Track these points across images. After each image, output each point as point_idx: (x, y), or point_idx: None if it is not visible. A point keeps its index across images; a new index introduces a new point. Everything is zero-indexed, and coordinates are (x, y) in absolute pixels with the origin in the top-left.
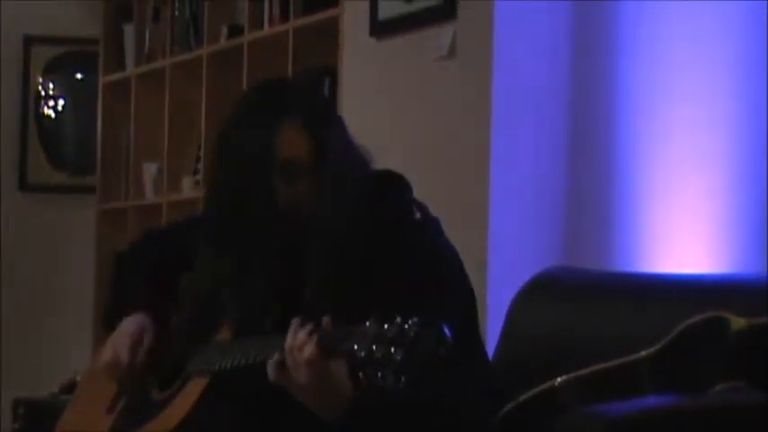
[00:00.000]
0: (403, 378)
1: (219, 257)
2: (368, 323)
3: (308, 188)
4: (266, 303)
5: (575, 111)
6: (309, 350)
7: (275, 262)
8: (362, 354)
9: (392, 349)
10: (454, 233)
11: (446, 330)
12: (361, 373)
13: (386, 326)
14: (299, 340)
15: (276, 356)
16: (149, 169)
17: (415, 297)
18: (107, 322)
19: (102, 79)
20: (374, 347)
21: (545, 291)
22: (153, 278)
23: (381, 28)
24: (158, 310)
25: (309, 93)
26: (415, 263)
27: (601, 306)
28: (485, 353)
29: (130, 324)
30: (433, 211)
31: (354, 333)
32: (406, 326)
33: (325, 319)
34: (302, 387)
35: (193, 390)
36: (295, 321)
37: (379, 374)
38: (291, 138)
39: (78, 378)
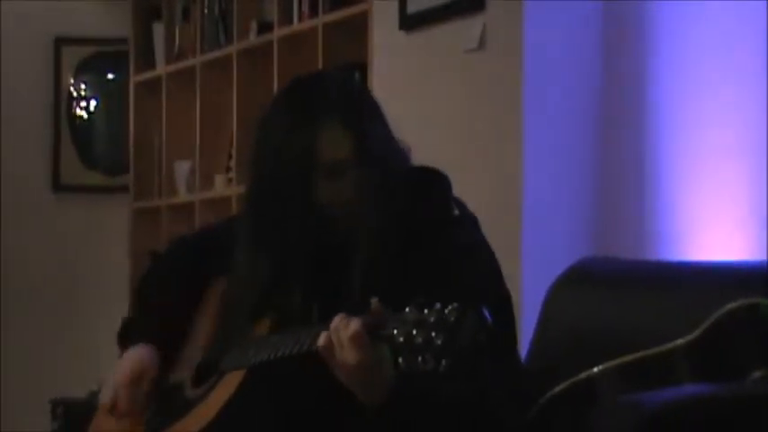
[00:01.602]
0: (443, 362)
1: (257, 259)
2: (407, 309)
3: (350, 185)
4: (305, 305)
5: (605, 100)
6: (354, 327)
7: (313, 263)
8: (402, 339)
9: (432, 334)
10: (487, 225)
11: (486, 315)
12: (400, 359)
13: (425, 311)
14: (344, 319)
15: (323, 333)
16: (181, 167)
17: (454, 289)
18: (120, 340)
19: (133, 79)
20: (414, 332)
21: (581, 281)
22: (174, 292)
23: (411, 21)
24: (171, 331)
25: (349, 88)
26: (454, 257)
27: (637, 295)
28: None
29: (132, 361)
30: (466, 201)
31: (395, 319)
32: (446, 311)
33: (374, 301)
34: (346, 366)
35: (229, 384)
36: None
37: (420, 359)
38: (333, 137)
39: None
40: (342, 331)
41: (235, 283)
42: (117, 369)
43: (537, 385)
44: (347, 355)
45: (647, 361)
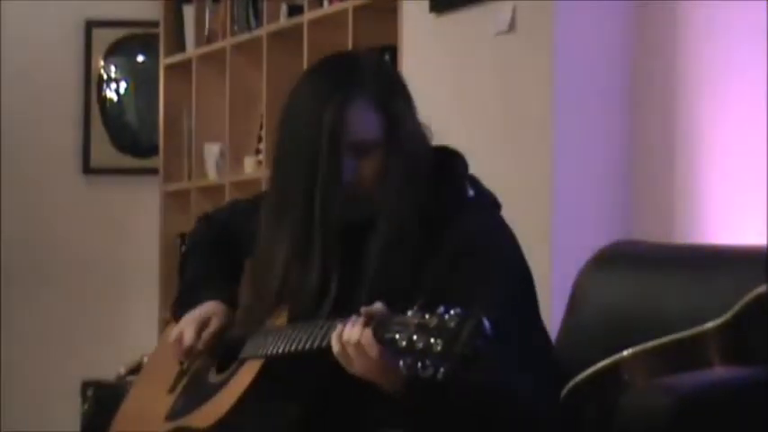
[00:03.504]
0: (441, 369)
1: (278, 241)
2: (410, 312)
3: (375, 165)
4: (323, 282)
5: (636, 83)
6: (357, 335)
7: (335, 239)
8: (404, 343)
9: (431, 340)
10: (517, 207)
11: (486, 323)
12: (401, 362)
13: (427, 316)
14: (355, 332)
15: (334, 339)
16: (211, 150)
17: (463, 286)
18: (175, 312)
19: (163, 61)
20: (415, 337)
21: (611, 263)
22: (222, 263)
23: (441, 4)
24: (231, 294)
25: (379, 68)
26: (464, 251)
27: (667, 278)
28: (544, 334)
29: (200, 309)
30: (496, 185)
31: (397, 321)
32: (447, 317)
33: (377, 306)
34: (360, 368)
35: (246, 374)
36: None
37: (419, 365)
38: (363, 117)
39: (145, 360)
40: (353, 344)
41: (258, 260)
42: (186, 315)
43: (572, 359)
44: (358, 361)
45: (676, 344)
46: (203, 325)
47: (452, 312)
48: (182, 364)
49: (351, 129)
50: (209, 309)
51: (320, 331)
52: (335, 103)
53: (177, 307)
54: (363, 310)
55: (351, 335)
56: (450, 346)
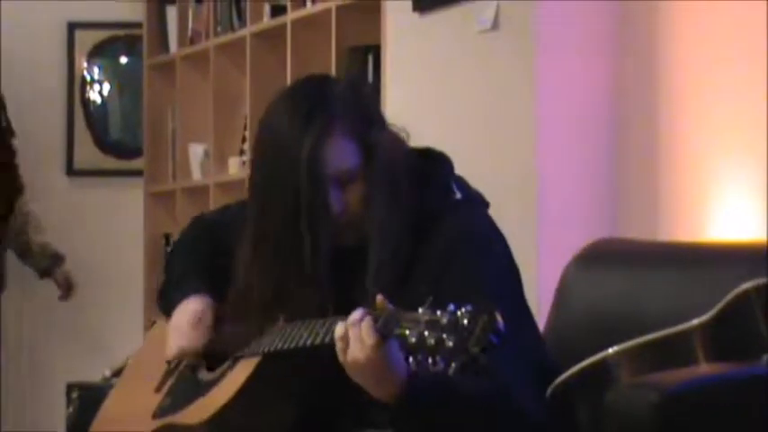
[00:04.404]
0: (454, 364)
1: (273, 265)
2: (421, 310)
3: (360, 189)
4: (321, 308)
5: (620, 80)
6: (365, 329)
7: (329, 268)
8: (414, 340)
9: (443, 336)
10: (502, 206)
11: (498, 318)
12: (411, 359)
13: (438, 312)
14: (355, 319)
15: (340, 323)
16: (196, 150)
17: (455, 283)
18: (161, 304)
19: (147, 62)
20: (426, 334)
21: (596, 261)
22: (207, 260)
23: (424, 3)
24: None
25: (351, 94)
26: (455, 250)
27: (652, 275)
28: (534, 330)
29: (190, 304)
30: (480, 184)
31: (408, 319)
32: (459, 313)
33: (379, 298)
34: (356, 363)
35: (242, 371)
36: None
37: (430, 360)
38: (340, 146)
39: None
40: (356, 327)
41: (242, 286)
42: (179, 314)
43: (557, 356)
44: (359, 351)
45: (661, 342)
46: (199, 321)
47: (464, 309)
48: (169, 363)
49: (330, 161)
50: (199, 303)
51: (322, 328)
52: (312, 137)
53: (163, 299)
54: (379, 298)
55: (354, 316)
56: (464, 342)
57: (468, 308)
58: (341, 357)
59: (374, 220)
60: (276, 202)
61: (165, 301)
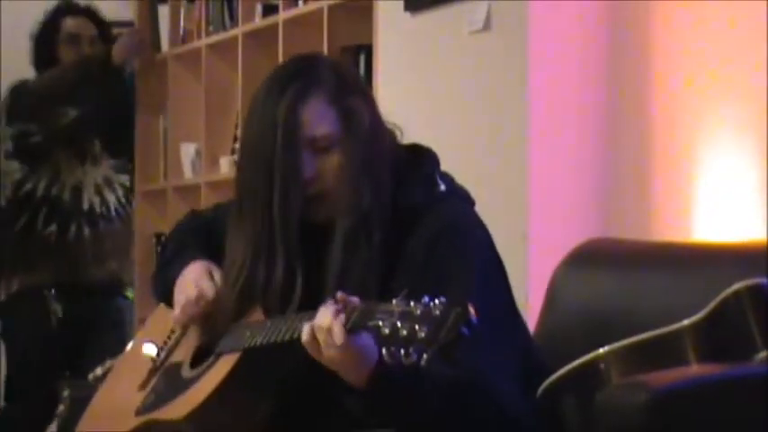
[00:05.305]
0: (425, 356)
1: (241, 241)
2: (394, 301)
3: (337, 161)
4: (288, 279)
5: (612, 81)
6: (336, 329)
7: (298, 244)
8: (387, 331)
9: (416, 326)
10: (493, 205)
11: (471, 310)
12: (384, 350)
13: (412, 304)
14: (326, 318)
15: (306, 329)
16: (187, 150)
17: (438, 273)
18: (156, 288)
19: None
20: (399, 325)
21: (586, 262)
22: (201, 246)
23: (416, 2)
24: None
25: (336, 66)
26: (437, 241)
27: (642, 276)
28: (519, 327)
29: (197, 266)
30: (472, 183)
31: (380, 310)
32: (432, 304)
33: (354, 299)
34: (330, 360)
35: (222, 367)
36: (327, 303)
37: (402, 351)
38: (317, 110)
39: None
40: (323, 330)
41: (226, 262)
42: (185, 276)
43: (548, 356)
44: (331, 350)
45: (652, 342)
46: (210, 274)
47: (437, 301)
48: (154, 361)
49: (305, 123)
50: (203, 264)
51: (300, 324)
52: (289, 98)
53: (159, 280)
54: (339, 295)
55: (321, 320)
56: (435, 333)
57: (442, 299)
58: (314, 356)
59: (344, 192)
60: (253, 166)
61: (161, 281)
